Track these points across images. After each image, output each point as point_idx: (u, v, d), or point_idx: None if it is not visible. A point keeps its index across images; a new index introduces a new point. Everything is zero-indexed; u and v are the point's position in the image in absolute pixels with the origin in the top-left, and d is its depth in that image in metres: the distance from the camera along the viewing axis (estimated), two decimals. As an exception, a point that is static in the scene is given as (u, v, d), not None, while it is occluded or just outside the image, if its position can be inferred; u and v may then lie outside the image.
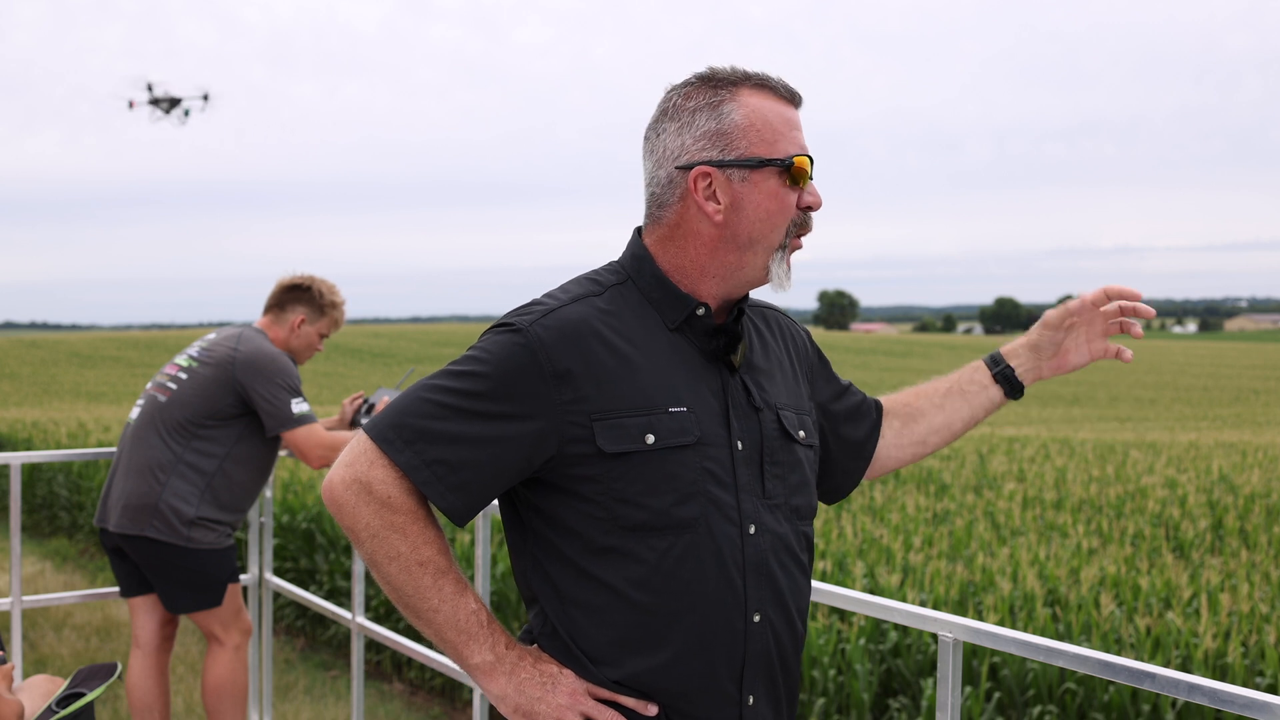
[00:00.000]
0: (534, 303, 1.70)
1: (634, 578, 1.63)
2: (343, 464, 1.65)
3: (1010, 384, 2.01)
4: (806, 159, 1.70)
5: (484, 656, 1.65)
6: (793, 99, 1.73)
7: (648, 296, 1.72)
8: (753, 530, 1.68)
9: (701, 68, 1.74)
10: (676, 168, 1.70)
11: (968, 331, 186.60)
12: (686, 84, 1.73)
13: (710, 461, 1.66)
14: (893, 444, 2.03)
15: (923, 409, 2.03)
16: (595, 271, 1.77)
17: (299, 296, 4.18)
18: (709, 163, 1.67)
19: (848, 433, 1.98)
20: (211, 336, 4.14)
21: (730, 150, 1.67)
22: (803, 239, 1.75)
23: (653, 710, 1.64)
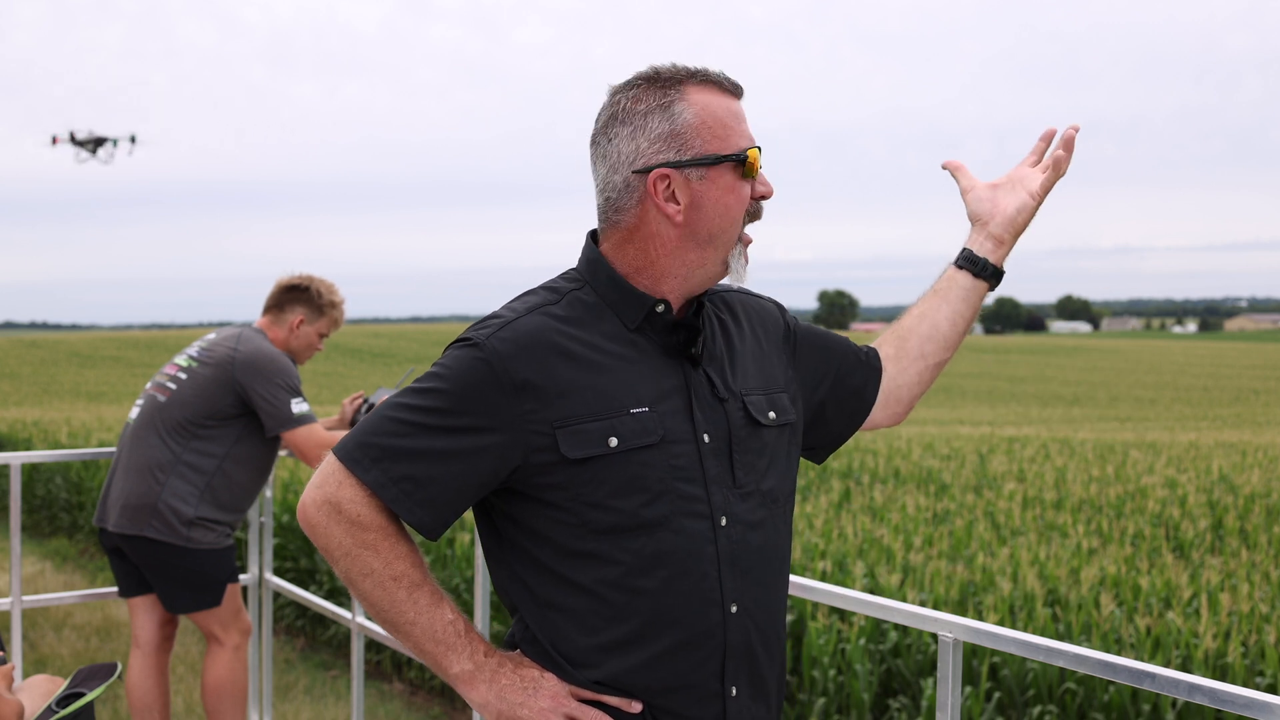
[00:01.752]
0: (491, 316, 1.72)
1: (609, 580, 1.65)
2: (313, 485, 1.68)
3: (973, 263, 1.98)
4: (757, 150, 1.72)
5: (463, 665, 1.66)
6: (736, 91, 1.74)
7: (605, 299, 1.73)
8: (724, 522, 1.69)
9: (645, 67, 1.74)
10: (633, 172, 1.70)
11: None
12: (632, 85, 1.72)
13: (676, 458, 1.67)
14: (896, 373, 1.99)
15: (908, 326, 2.01)
16: (552, 280, 1.78)
17: (297, 297, 4.18)
18: (666, 164, 1.68)
19: (848, 384, 1.96)
20: (211, 336, 4.14)
21: (686, 150, 1.68)
22: (753, 232, 1.76)
23: (636, 707, 1.66)
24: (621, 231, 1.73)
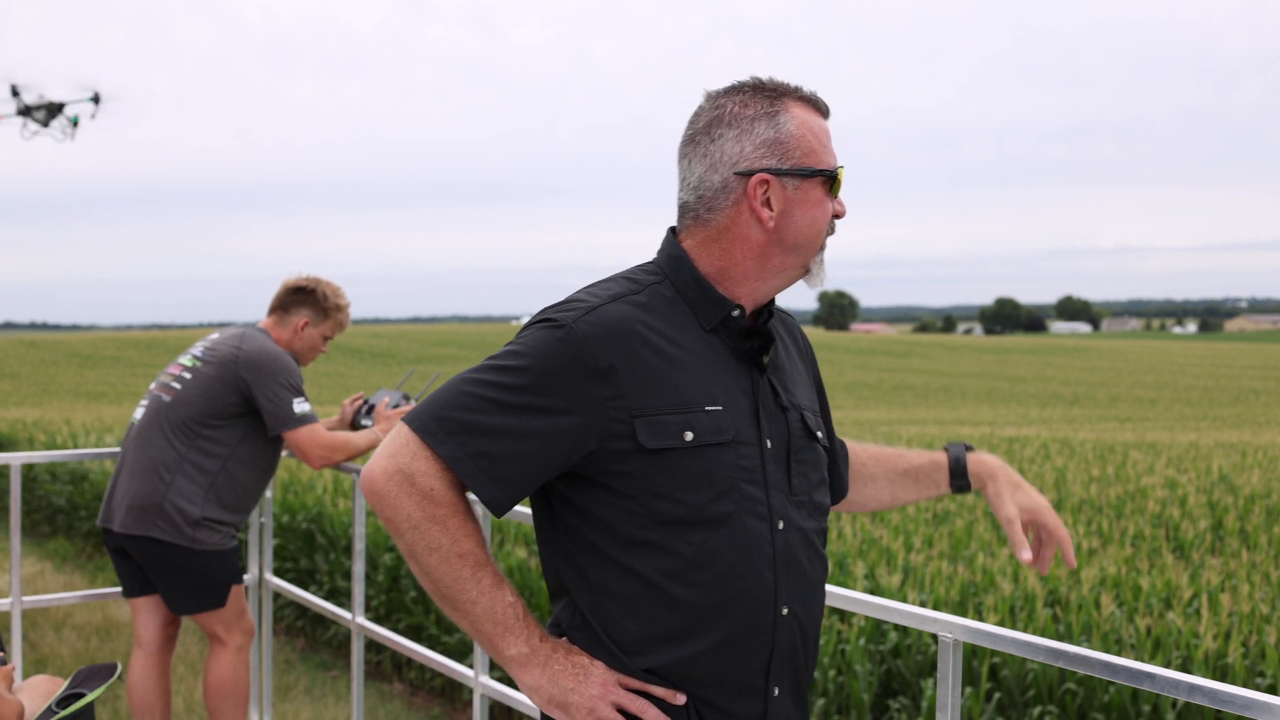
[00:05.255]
0: (573, 299, 1.73)
1: (668, 570, 1.67)
2: (384, 455, 1.68)
3: (958, 490, 2.08)
4: (843, 169, 1.79)
5: (519, 649, 1.68)
6: (826, 113, 1.82)
7: (684, 297, 1.76)
8: (781, 526, 1.73)
9: (745, 77, 1.80)
10: (735, 173, 1.74)
11: (968, 332, 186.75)
12: (738, 91, 1.77)
13: (743, 459, 1.70)
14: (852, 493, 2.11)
15: (875, 476, 2.09)
16: (631, 271, 1.81)
17: (303, 299, 4.17)
18: (768, 170, 1.73)
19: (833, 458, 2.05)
20: (215, 336, 4.14)
21: (786, 159, 1.74)
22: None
23: (681, 699, 1.69)
24: (710, 230, 1.77)
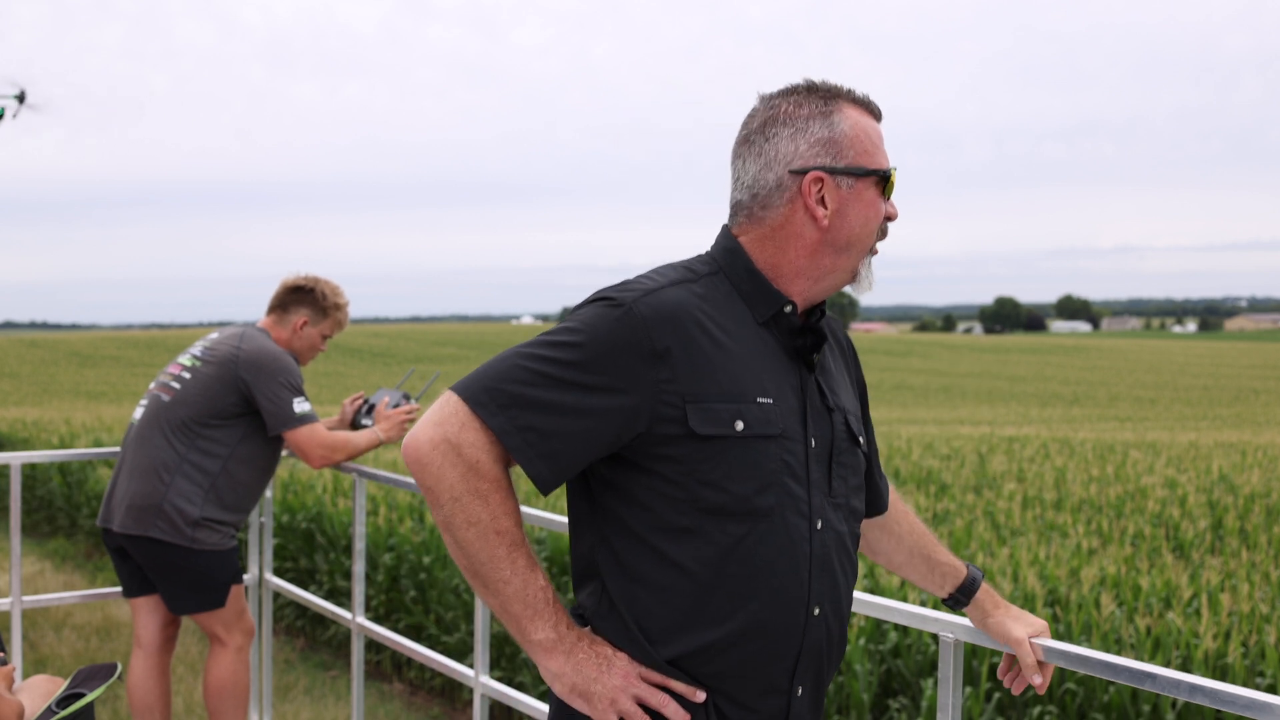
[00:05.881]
0: (632, 281, 1.74)
1: (704, 559, 1.67)
2: (431, 423, 1.66)
3: (954, 605, 2.08)
4: (895, 171, 1.80)
5: (546, 634, 1.67)
6: (879, 116, 1.83)
7: (738, 289, 1.77)
8: (819, 526, 1.74)
9: (799, 80, 1.82)
10: (790, 171, 1.75)
11: (968, 331, 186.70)
12: (792, 93, 1.79)
13: (788, 455, 1.71)
14: (874, 537, 2.14)
15: (901, 539, 2.11)
16: (687, 261, 1.82)
17: (302, 298, 4.17)
18: (822, 168, 1.74)
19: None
20: (214, 336, 4.13)
21: (840, 159, 1.75)
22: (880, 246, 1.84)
23: (701, 697, 1.68)
24: (764, 228, 1.78)
